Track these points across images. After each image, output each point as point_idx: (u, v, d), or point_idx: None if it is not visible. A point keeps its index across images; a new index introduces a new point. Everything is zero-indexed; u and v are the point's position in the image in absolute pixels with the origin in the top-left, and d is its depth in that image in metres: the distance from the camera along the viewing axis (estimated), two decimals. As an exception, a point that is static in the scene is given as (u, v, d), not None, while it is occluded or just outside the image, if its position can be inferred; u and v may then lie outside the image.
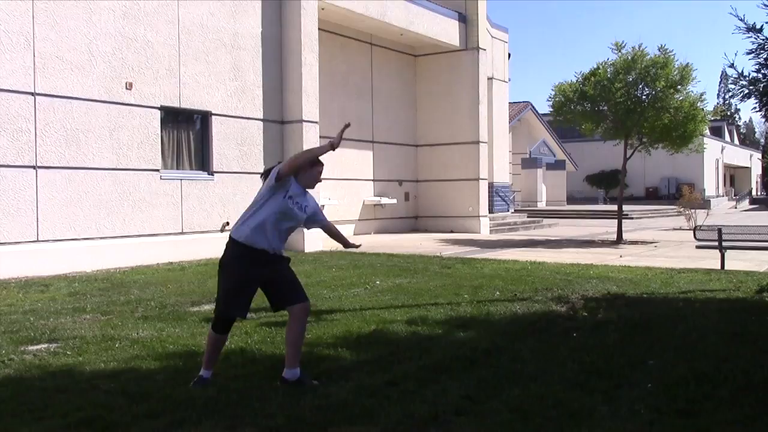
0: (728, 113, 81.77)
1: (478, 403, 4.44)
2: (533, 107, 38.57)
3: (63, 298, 8.82)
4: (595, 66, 17.96)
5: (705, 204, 33.21)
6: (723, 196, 57.17)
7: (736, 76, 8.00)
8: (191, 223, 13.84)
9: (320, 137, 16.43)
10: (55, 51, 11.58)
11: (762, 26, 7.64)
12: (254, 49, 15.16)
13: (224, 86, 14.49)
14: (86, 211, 12.04)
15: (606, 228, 22.87)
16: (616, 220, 18.99)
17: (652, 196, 51.86)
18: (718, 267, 11.58)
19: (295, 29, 15.65)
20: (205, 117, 14.32)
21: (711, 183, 54.44)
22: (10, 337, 6.51)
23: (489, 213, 23.28)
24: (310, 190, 4.92)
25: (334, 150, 4.59)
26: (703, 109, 17.52)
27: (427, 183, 22.71)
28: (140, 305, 8.27)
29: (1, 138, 10.97)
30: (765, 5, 7.39)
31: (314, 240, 15.67)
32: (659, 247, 16.82)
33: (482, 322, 7.14)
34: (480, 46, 22.22)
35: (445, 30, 21.40)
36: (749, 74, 7.97)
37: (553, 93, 18.54)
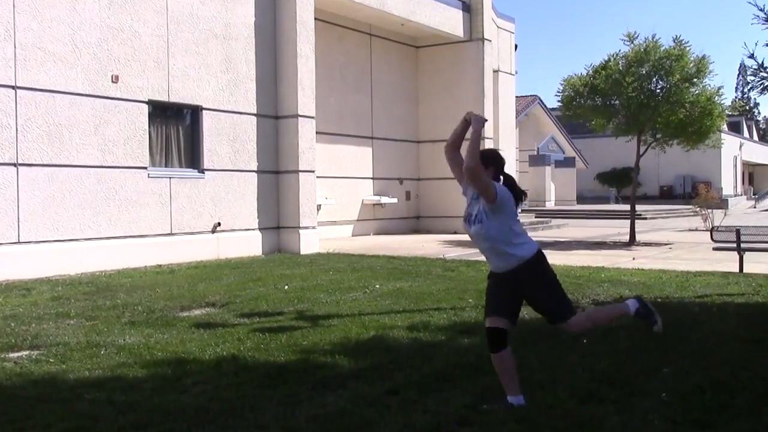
0: (747, 108, 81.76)
1: (482, 413, 4.45)
2: (541, 101, 38.59)
3: (45, 303, 8.82)
4: (607, 58, 17.97)
5: (722, 203, 33.21)
6: (741, 195, 57.17)
7: (756, 67, 8.00)
8: (181, 224, 13.84)
9: (316, 133, 16.45)
10: (37, 42, 11.58)
11: (782, 16, 7.64)
12: (247, 40, 15.16)
13: (215, 79, 14.49)
14: (70, 211, 12.04)
15: (618, 229, 22.87)
16: (628, 221, 19.00)
17: (666, 195, 51.87)
18: (737, 270, 11.58)
19: (290, 19, 15.65)
20: (195, 111, 14.32)
21: (728, 181, 54.43)
22: (-11, 344, 6.52)
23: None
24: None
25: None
26: (720, 104, 17.54)
27: (429, 181, 22.72)
28: (127, 310, 8.28)
29: (-20, 134, 10.98)
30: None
31: (311, 241, 15.68)
32: (674, 248, 16.82)
33: (487, 328, 7.13)
34: (485, 36, 22.22)
35: (448, 20, 21.41)
36: (769, 66, 7.96)
37: (562, 87, 18.56)
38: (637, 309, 4.61)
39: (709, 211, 24.55)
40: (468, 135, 4.48)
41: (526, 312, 7.94)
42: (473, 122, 4.40)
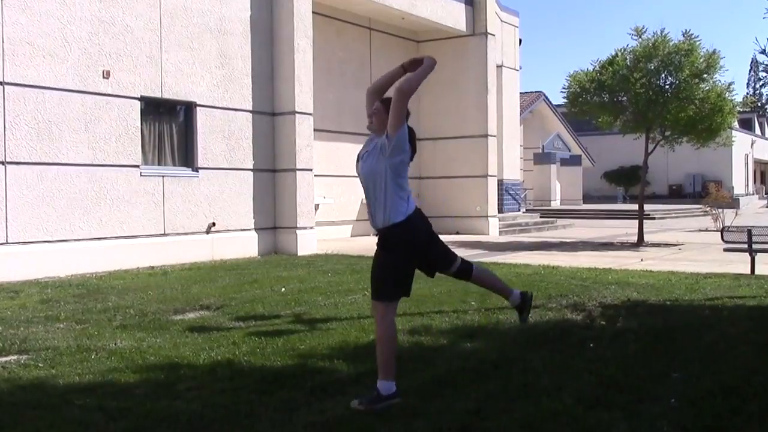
0: (759, 104, 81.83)
1: (486, 419, 4.45)
2: (546, 98, 38.61)
3: (34, 306, 8.82)
4: (614, 53, 17.96)
5: (733, 203, 33.21)
6: (753, 194, 57.21)
7: (768, 63, 8.01)
8: (174, 224, 13.84)
9: (314, 130, 16.45)
10: (25, 36, 11.58)
11: (795, 10, 7.65)
12: (242, 35, 15.16)
13: (210, 75, 14.49)
14: (59, 211, 12.04)
15: (626, 229, 22.88)
16: (636, 221, 19.00)
17: (675, 194, 51.92)
18: (748, 271, 11.58)
19: (287, 12, 15.65)
20: (189, 108, 14.32)
21: (740, 180, 54.48)
22: (-24, 348, 6.52)
23: (498, 213, 23.29)
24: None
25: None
26: (731, 100, 17.52)
27: (430, 180, 22.73)
28: (118, 313, 8.28)
29: (-34, 131, 10.99)
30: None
31: (308, 242, 15.68)
32: (684, 249, 16.83)
33: (491, 332, 7.14)
34: (488, 31, 22.23)
35: (450, 13, 21.41)
36: (781, 61, 7.98)
37: (567, 83, 18.55)
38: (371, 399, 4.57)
39: (720, 210, 24.56)
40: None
41: (531, 315, 7.95)
42: (427, 60, 4.63)
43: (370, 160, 4.66)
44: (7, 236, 11.38)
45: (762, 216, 34.86)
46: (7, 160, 11.40)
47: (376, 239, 4.85)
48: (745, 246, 11.94)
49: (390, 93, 4.69)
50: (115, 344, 6.66)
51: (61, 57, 12.04)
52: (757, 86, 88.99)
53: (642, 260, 14.09)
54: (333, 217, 19.62)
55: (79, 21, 12.30)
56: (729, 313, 8.18)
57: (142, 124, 13.41)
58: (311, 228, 15.98)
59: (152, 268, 12.74)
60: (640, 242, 18.04)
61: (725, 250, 12.69)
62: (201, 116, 14.39)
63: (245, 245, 15.05)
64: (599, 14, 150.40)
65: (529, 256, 14.90)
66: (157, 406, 4.74)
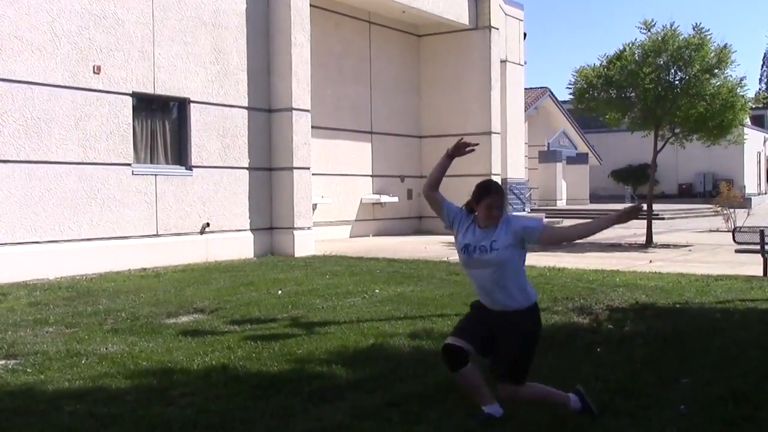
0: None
1: (489, 426, 4.45)
2: (552, 94, 38.59)
3: (23, 309, 8.83)
4: (622, 48, 17.96)
5: (745, 202, 33.21)
6: (765, 193, 57.18)
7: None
8: (167, 224, 13.84)
9: (312, 127, 16.46)
10: (13, 30, 11.57)
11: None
12: (238, 28, 15.16)
13: (204, 70, 14.49)
14: (49, 211, 12.03)
15: (634, 230, 22.84)
16: (645, 221, 18.99)
17: (685, 193, 51.84)
18: (761, 273, 11.58)
19: (284, 5, 15.64)
20: (182, 104, 14.32)
21: (752, 179, 54.42)
22: (-37, 353, 6.52)
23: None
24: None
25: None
26: (743, 96, 17.53)
27: (432, 179, 22.69)
28: (109, 316, 8.28)
29: (-48, 128, 10.99)
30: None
31: (306, 243, 15.68)
32: (694, 251, 16.82)
33: (494, 336, 7.13)
34: (492, 24, 22.22)
35: (452, 6, 21.41)
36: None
37: (574, 78, 18.55)
38: (579, 408, 4.54)
39: (731, 210, 24.54)
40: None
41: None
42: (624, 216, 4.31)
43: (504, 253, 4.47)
44: (-6, 237, 11.38)
45: (775, 216, 34.84)
46: (-5, 158, 11.40)
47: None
48: (758, 247, 11.93)
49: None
50: (105, 349, 6.66)
51: (50, 51, 12.04)
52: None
53: (651, 262, 14.09)
54: (331, 217, 19.62)
55: (69, 14, 12.29)
56: (740, 316, 8.19)
57: (133, 121, 13.41)
58: (309, 228, 15.98)
59: (144, 269, 12.74)
60: (648, 243, 18.03)
61: (737, 251, 12.69)
62: (195, 113, 14.39)
63: (240, 246, 15.04)
64: (607, 7, 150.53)
65: (534, 257, 14.88)
66: (149, 413, 4.74)
